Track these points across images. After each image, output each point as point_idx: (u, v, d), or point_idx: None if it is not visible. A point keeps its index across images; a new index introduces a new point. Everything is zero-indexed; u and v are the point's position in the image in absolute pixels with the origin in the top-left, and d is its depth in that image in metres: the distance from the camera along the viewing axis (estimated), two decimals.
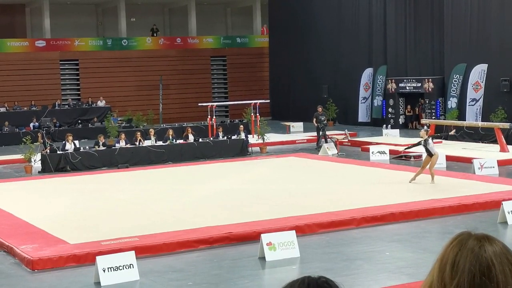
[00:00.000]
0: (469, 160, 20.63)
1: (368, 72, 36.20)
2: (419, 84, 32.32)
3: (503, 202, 13.29)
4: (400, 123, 33.32)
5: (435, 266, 2.10)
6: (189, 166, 22.80)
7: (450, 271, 2.04)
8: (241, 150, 25.52)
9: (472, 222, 13.28)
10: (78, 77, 41.71)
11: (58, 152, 23.11)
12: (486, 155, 21.72)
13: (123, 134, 25.08)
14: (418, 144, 17.77)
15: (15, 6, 43.07)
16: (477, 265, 2.01)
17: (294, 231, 11.65)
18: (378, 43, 35.27)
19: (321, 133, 26.90)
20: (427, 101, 32.00)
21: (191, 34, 44.73)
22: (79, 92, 41.57)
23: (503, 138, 23.65)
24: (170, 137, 25.10)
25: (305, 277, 2.03)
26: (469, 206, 14.42)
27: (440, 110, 31.31)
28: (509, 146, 23.33)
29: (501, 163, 20.10)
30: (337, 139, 26.30)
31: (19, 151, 24.26)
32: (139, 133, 25.22)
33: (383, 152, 23.18)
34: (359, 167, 21.00)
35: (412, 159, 22.14)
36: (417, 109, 33.44)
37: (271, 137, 28.99)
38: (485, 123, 26.35)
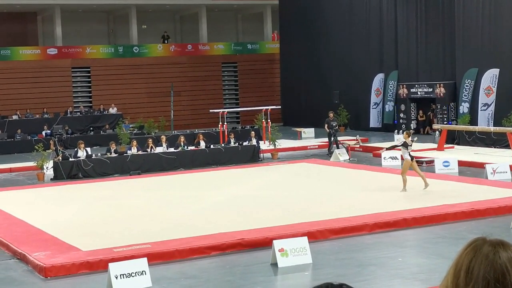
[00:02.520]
0: (481, 165, 20.54)
1: (379, 78, 36.13)
2: (431, 89, 32.22)
3: None
4: (412, 128, 33.20)
5: (449, 272, 2.09)
6: (200, 172, 22.82)
7: (464, 277, 2.03)
8: (252, 156, 25.52)
9: (485, 227, 13.22)
10: (89, 84, 41.86)
11: (70, 159, 23.19)
12: (498, 160, 21.62)
13: (135, 141, 25.13)
14: (397, 146, 17.91)
15: (27, 14, 43.31)
16: (491, 271, 2.00)
17: (306, 237, 11.63)
18: (389, 48, 35.20)
19: (332, 138, 26.85)
20: (438, 106, 31.89)
21: (202, 41, 44.82)
22: (90, 100, 41.71)
23: None
24: (182, 144, 25.14)
25: (326, 284, 2.03)
26: (481, 212, 14.36)
27: (452, 115, 31.21)
28: None
29: None
30: (349, 144, 26.25)
31: (31, 159, 24.35)
32: (150, 140, 25.29)
33: (395, 158, 23.10)
34: (371, 173, 20.96)
35: (424, 164, 22.06)
36: (430, 114, 33.32)
37: (283, 143, 28.96)
38: (497, 128, 26.25)
